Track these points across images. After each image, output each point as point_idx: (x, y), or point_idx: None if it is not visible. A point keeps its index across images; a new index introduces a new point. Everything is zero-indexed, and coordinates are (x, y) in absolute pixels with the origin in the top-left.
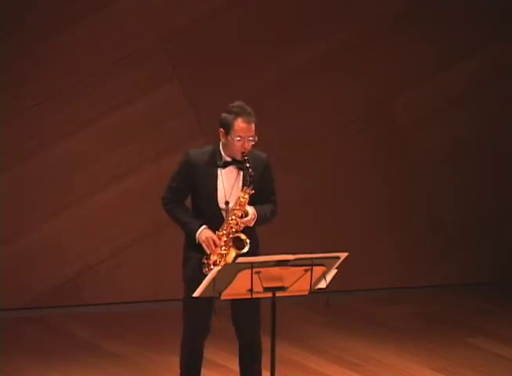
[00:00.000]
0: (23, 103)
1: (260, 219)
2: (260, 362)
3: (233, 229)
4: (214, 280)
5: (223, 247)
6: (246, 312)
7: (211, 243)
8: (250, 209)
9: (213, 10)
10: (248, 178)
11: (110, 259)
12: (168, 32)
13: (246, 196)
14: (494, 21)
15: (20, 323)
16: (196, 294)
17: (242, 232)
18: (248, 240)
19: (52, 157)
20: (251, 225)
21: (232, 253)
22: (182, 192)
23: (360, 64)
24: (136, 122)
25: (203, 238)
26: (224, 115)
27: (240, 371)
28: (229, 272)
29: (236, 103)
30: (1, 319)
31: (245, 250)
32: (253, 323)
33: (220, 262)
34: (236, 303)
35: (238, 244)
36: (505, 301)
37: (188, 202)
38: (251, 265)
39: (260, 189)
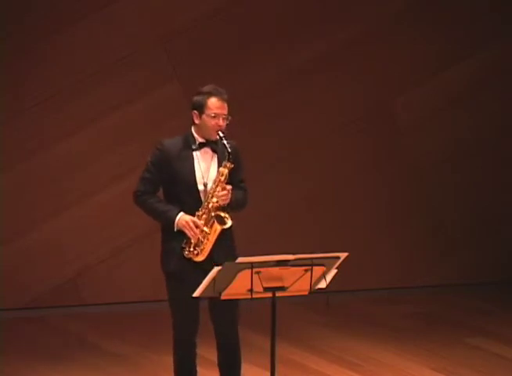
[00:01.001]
0: (23, 103)
1: (235, 201)
2: (240, 367)
3: (213, 207)
4: (214, 279)
5: (205, 227)
6: (221, 306)
7: (192, 225)
8: (229, 186)
9: (213, 10)
10: (227, 154)
11: (110, 259)
12: (168, 32)
13: (227, 170)
14: (494, 21)
15: (20, 323)
16: (196, 294)
17: (222, 210)
18: (228, 215)
19: (52, 157)
20: (226, 201)
21: (217, 228)
22: (156, 182)
23: (360, 64)
24: (136, 122)
25: (183, 223)
26: (195, 97)
27: (220, 368)
28: (229, 272)
29: (208, 85)
30: (1, 319)
31: (228, 224)
32: (228, 318)
33: (204, 241)
34: (212, 300)
35: (220, 221)
36: (505, 301)
37: (160, 193)
38: (251, 265)
39: (231, 175)
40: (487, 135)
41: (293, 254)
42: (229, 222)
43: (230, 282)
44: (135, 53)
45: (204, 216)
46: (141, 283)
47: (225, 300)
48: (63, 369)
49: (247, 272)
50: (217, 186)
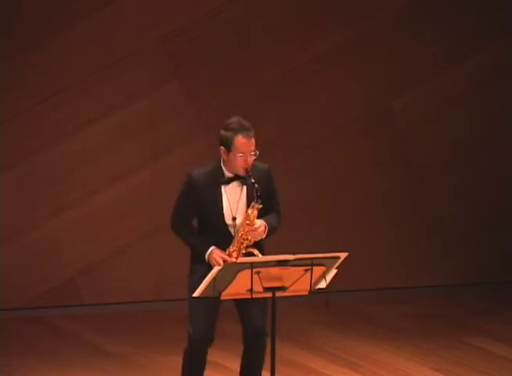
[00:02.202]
0: (23, 103)
1: (270, 230)
2: (265, 349)
3: (244, 245)
4: (214, 279)
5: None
6: (253, 301)
7: (221, 262)
8: (260, 221)
9: (213, 10)
10: (255, 194)
11: (110, 259)
12: (168, 32)
13: (255, 211)
14: (494, 21)
15: (20, 323)
16: (196, 294)
17: (253, 246)
18: (260, 255)
19: (52, 157)
20: (263, 237)
21: None
22: (188, 213)
23: (360, 64)
24: (136, 122)
25: (213, 260)
26: (223, 133)
27: (244, 360)
28: (229, 272)
29: (234, 119)
30: (1, 319)
31: None
32: (262, 312)
33: None
34: (241, 301)
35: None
36: (505, 301)
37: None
38: (251, 265)
39: (264, 200)
40: (487, 135)
41: (293, 254)
42: None
43: (230, 282)
44: (135, 53)
45: (235, 253)
46: (141, 283)
47: (255, 299)
48: (63, 369)
49: (247, 272)
50: (246, 225)
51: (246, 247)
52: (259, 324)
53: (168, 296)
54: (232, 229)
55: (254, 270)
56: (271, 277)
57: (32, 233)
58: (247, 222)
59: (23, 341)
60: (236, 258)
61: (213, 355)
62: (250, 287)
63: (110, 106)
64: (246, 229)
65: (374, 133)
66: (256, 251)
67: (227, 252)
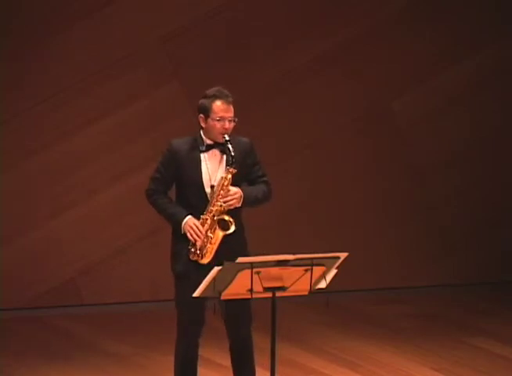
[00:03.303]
0: (23, 103)
1: (248, 199)
2: (253, 360)
3: (218, 211)
4: (214, 279)
5: (208, 231)
6: (236, 309)
7: (196, 229)
8: (234, 189)
9: (213, 10)
10: (230, 158)
11: (110, 259)
12: (168, 32)
13: (229, 176)
14: (494, 21)
15: (20, 323)
16: (196, 294)
17: (227, 214)
18: (232, 220)
19: (52, 157)
20: (238, 205)
21: (219, 234)
22: (166, 182)
23: (360, 64)
24: (136, 122)
25: (188, 227)
26: (201, 101)
27: (234, 372)
28: (229, 272)
29: (213, 88)
30: (1, 319)
31: (231, 230)
32: (243, 321)
33: (207, 245)
34: (226, 301)
35: (223, 225)
36: (505, 301)
37: (172, 193)
38: (251, 265)
39: (248, 173)
40: (487, 135)
41: (293, 254)
42: (232, 227)
43: (230, 282)
44: (135, 53)
45: (209, 220)
46: (141, 283)
47: (238, 301)
48: (63, 369)
49: (247, 272)
50: (220, 190)
51: (219, 213)
52: (242, 333)
53: (168, 296)
54: (210, 198)
55: (254, 270)
56: (271, 277)
57: (32, 233)
58: (221, 187)
59: (23, 341)
60: (209, 224)
61: (209, 353)
62: (250, 287)
63: (110, 106)
64: (220, 195)
65: (374, 133)
66: (226, 217)
67: (201, 220)
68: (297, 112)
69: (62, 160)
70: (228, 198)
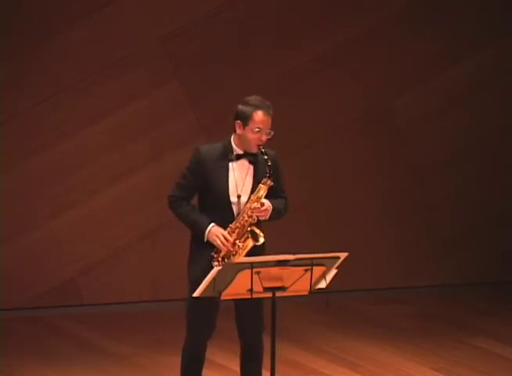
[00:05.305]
0: (23, 103)
1: (275, 212)
2: (261, 363)
3: (247, 222)
4: (214, 279)
5: (237, 241)
6: (250, 314)
7: (223, 239)
8: (266, 201)
9: (213, 10)
10: (268, 171)
11: (110, 259)
12: (168, 32)
13: (266, 188)
14: (494, 21)
15: (20, 323)
16: (196, 294)
17: (256, 226)
18: (262, 234)
19: (52, 157)
20: (266, 217)
21: (250, 243)
22: (191, 189)
23: (360, 64)
24: (136, 122)
25: (214, 236)
26: (241, 107)
27: (241, 372)
28: (229, 272)
29: (254, 96)
30: (1, 319)
31: (261, 241)
32: (256, 326)
33: (235, 254)
34: (239, 305)
35: (254, 236)
36: (505, 301)
37: (194, 200)
38: (251, 265)
39: (273, 187)
40: (487, 135)
41: (293, 254)
42: (262, 239)
43: (230, 282)
44: (135, 53)
45: (238, 230)
46: (141, 283)
47: (252, 305)
48: (63, 369)
49: (247, 272)
50: (254, 201)
51: (250, 224)
52: (255, 338)
53: (168, 296)
54: (235, 208)
55: (254, 270)
56: (271, 277)
57: (32, 233)
58: (256, 198)
59: (23, 341)
60: (238, 236)
61: (213, 354)
62: (250, 287)
63: (110, 106)
64: (252, 206)
65: (374, 133)
66: (257, 230)
67: (228, 229)
68: (297, 112)
69: (62, 160)
70: (262, 209)
